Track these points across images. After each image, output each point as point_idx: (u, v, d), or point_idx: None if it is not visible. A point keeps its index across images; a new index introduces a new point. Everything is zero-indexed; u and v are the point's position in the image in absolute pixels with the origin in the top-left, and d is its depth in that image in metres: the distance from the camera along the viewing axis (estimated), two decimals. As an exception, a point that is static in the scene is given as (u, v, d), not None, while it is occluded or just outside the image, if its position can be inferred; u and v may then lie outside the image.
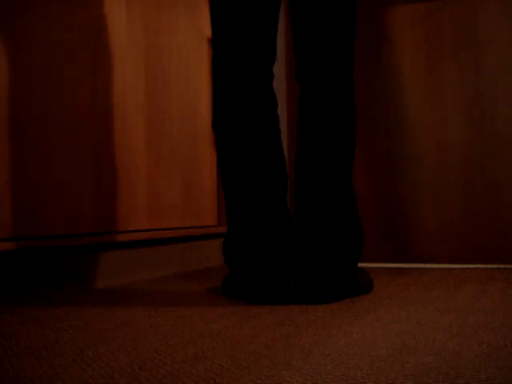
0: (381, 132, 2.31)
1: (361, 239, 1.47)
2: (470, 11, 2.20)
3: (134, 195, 1.90)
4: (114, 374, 0.76)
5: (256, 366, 0.79)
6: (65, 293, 1.59)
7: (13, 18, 1.49)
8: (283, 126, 2.47)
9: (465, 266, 2.15)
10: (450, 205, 2.20)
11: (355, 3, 1.46)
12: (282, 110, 2.44)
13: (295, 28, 1.45)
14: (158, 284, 1.76)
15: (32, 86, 1.53)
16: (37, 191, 1.53)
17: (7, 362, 0.83)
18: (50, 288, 1.59)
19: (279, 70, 2.46)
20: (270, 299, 1.34)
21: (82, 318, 1.18)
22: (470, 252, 2.17)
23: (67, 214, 1.63)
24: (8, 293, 1.47)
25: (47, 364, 0.82)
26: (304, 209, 1.41)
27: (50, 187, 1.58)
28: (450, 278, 1.78)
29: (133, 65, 1.91)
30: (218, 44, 1.45)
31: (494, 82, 2.15)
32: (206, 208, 2.33)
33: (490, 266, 2.12)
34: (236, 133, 1.42)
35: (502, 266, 2.10)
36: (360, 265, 2.27)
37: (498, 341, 0.91)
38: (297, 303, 1.34)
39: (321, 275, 1.35)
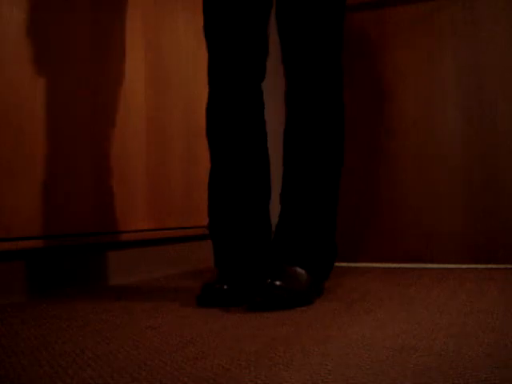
0: (381, 132, 2.31)
1: (334, 249, 1.49)
2: (470, 11, 2.20)
3: (134, 195, 1.90)
4: (113, 374, 0.76)
5: (256, 366, 0.79)
6: (64, 293, 1.59)
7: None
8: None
9: (465, 266, 2.15)
10: (449, 205, 2.20)
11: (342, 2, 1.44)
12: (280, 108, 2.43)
13: (281, 28, 1.44)
14: (158, 284, 1.76)
15: (32, 85, 1.53)
16: (37, 191, 1.53)
17: (7, 362, 0.83)
18: (50, 288, 1.58)
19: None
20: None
21: (82, 318, 1.18)
22: (470, 252, 2.17)
23: (66, 215, 1.63)
24: (8, 293, 1.47)
25: (47, 364, 0.82)
26: (287, 210, 1.44)
27: (51, 188, 1.58)
28: (450, 277, 1.78)
29: (133, 65, 1.91)
30: (212, 53, 1.47)
31: (494, 82, 2.15)
32: (206, 208, 2.32)
33: (489, 266, 2.12)
34: (225, 138, 1.47)
35: (502, 265, 2.10)
36: (360, 265, 2.27)
37: (498, 341, 0.91)
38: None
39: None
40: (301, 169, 1.42)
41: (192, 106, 2.23)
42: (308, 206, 1.41)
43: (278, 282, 1.25)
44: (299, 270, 1.34)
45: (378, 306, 1.28)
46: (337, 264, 2.25)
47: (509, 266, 2.08)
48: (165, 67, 2.08)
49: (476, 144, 2.17)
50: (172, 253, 2.11)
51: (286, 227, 1.43)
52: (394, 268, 2.14)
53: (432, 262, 2.21)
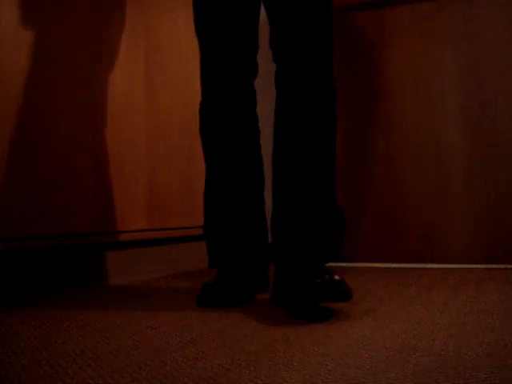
0: (382, 132, 2.30)
1: (341, 233, 1.45)
2: (470, 11, 2.20)
3: (134, 195, 1.90)
4: (113, 374, 0.76)
5: (256, 366, 0.79)
6: (65, 293, 1.58)
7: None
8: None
9: (465, 266, 2.15)
10: (449, 205, 2.20)
11: None
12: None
13: (271, 19, 1.41)
14: (158, 284, 1.76)
15: (32, 85, 1.53)
16: (37, 191, 1.53)
17: (7, 362, 0.83)
18: (50, 288, 1.58)
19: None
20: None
21: (81, 318, 1.18)
22: (469, 252, 2.17)
23: (66, 215, 1.63)
24: (8, 293, 1.47)
25: (47, 364, 0.82)
26: (280, 208, 1.39)
27: (51, 187, 1.58)
28: (450, 277, 1.78)
29: (133, 65, 1.91)
30: (203, 51, 1.47)
31: (494, 82, 2.15)
32: (206, 208, 2.32)
33: (489, 266, 2.12)
34: (218, 135, 1.47)
35: (502, 266, 2.10)
36: (360, 265, 2.27)
37: (498, 341, 0.91)
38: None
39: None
40: (291, 154, 1.37)
41: (192, 105, 2.23)
42: (303, 195, 1.35)
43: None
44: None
45: (378, 306, 1.28)
46: (337, 264, 2.25)
47: (509, 266, 2.08)
48: (165, 67, 2.08)
49: (476, 144, 2.17)
50: (172, 253, 2.11)
51: (286, 223, 1.37)
52: (394, 268, 2.13)
53: (432, 262, 2.21)
